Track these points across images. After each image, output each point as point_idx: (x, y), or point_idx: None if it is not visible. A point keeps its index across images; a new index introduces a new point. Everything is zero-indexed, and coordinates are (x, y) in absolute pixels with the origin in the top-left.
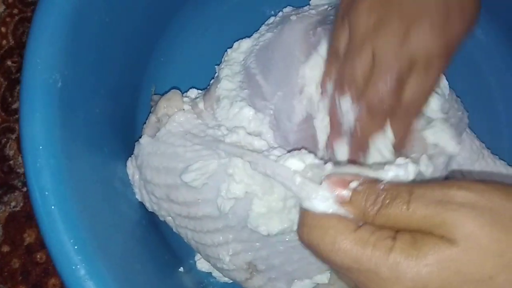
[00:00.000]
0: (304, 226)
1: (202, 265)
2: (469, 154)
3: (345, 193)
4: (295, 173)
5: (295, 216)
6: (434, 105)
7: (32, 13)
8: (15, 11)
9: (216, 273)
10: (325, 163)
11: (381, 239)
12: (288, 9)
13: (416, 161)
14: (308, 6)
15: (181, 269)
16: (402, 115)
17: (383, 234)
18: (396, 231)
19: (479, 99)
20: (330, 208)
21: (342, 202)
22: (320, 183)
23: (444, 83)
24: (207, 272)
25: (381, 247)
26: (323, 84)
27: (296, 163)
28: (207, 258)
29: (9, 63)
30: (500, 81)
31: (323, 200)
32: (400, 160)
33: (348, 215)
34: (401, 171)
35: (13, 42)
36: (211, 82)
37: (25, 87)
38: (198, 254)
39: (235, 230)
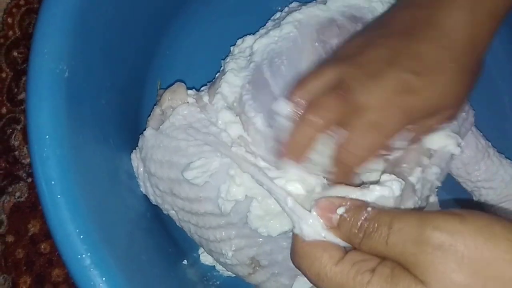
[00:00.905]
0: (295, 253)
1: (205, 258)
2: (474, 153)
3: (334, 218)
4: (288, 196)
5: None
6: None
7: (39, 4)
8: (22, 2)
9: (219, 267)
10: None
11: (361, 272)
12: (294, 5)
13: (407, 173)
14: (314, 1)
15: (185, 261)
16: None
17: (363, 266)
18: (382, 258)
19: (485, 97)
20: (319, 234)
21: (330, 227)
22: (310, 209)
23: None
24: (211, 266)
25: (360, 281)
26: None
27: (290, 183)
28: (210, 253)
29: (15, 53)
30: (507, 80)
31: (312, 227)
32: (386, 176)
33: (336, 241)
34: (386, 190)
35: (19, 33)
36: (216, 75)
37: (32, 76)
38: (202, 248)
39: (237, 226)
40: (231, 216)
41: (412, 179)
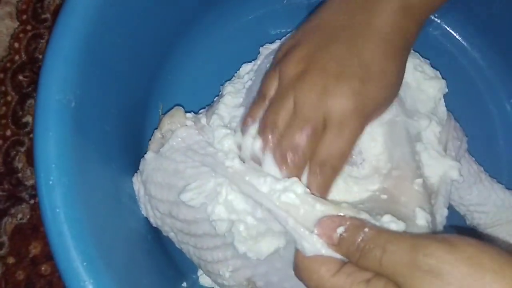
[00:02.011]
0: (296, 267)
1: (204, 280)
2: (466, 178)
3: (334, 236)
4: (288, 216)
5: (281, 238)
6: (432, 136)
7: (45, 30)
8: (28, 27)
9: None
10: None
11: (356, 282)
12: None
13: (404, 217)
14: None
15: (184, 284)
16: (317, 171)
17: (357, 277)
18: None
19: (478, 123)
20: (319, 251)
21: (331, 244)
22: (313, 228)
23: (442, 109)
24: (209, 287)
25: None
26: (244, 123)
27: (290, 196)
28: (208, 274)
29: (20, 77)
30: (499, 106)
31: (313, 244)
32: (387, 218)
33: (335, 255)
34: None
35: (25, 57)
36: (215, 99)
37: (40, 107)
38: (200, 270)
39: (233, 247)
40: (227, 236)
41: (420, 222)
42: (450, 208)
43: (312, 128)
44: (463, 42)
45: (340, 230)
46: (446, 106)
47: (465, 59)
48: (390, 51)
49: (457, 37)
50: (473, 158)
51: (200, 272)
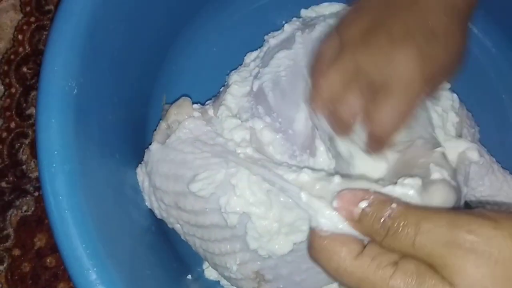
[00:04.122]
0: (312, 248)
1: (210, 273)
2: (478, 168)
3: (355, 212)
4: (301, 191)
5: (295, 238)
6: (450, 126)
7: (49, 21)
8: (32, 19)
9: (223, 282)
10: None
11: (382, 266)
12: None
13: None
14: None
15: (189, 276)
16: (376, 133)
17: (384, 260)
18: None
19: (490, 113)
20: (337, 227)
21: (351, 220)
22: (331, 201)
23: (454, 97)
24: (215, 281)
25: (381, 275)
26: (313, 103)
27: (303, 176)
28: (215, 267)
29: (24, 69)
30: None
31: (329, 219)
32: (400, 179)
33: (354, 233)
34: (409, 190)
35: (29, 49)
36: (221, 90)
37: (42, 93)
38: (206, 262)
39: (242, 239)
40: (236, 228)
41: (436, 175)
42: None
43: (374, 91)
44: (475, 30)
45: (363, 204)
46: (458, 95)
47: (477, 48)
48: (454, 14)
49: (469, 25)
50: (485, 148)
51: (205, 265)
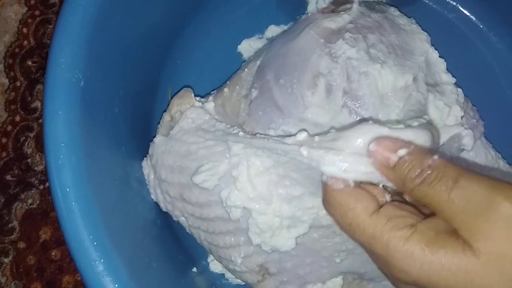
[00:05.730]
0: (326, 202)
1: (215, 266)
2: (484, 164)
3: (392, 158)
4: (300, 146)
5: (297, 231)
6: (453, 117)
7: (53, 15)
8: (37, 12)
9: (228, 275)
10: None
11: (398, 227)
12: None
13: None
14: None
15: (194, 269)
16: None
17: (400, 222)
18: (423, 216)
19: (495, 108)
20: (341, 169)
21: (383, 166)
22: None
23: (459, 91)
24: (220, 274)
25: (398, 236)
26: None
27: (300, 134)
28: (220, 260)
29: (29, 63)
30: None
31: (332, 164)
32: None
33: (357, 176)
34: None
35: (34, 42)
36: (223, 83)
37: (49, 85)
38: (211, 256)
39: (246, 233)
40: (240, 222)
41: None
42: None
43: None
44: (480, 25)
45: (402, 152)
46: (462, 90)
47: (482, 43)
48: None
49: (473, 20)
50: (491, 144)
51: (210, 258)
